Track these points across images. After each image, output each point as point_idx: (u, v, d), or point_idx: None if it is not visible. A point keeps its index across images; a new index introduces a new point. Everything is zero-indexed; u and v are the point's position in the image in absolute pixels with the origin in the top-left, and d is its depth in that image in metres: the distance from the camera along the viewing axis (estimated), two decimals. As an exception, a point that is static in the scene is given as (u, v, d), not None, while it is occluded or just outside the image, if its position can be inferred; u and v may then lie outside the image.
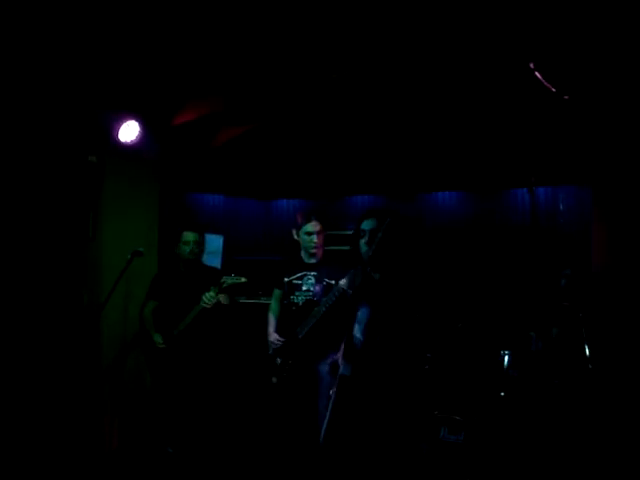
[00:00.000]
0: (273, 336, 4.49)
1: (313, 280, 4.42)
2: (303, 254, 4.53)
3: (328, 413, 3.31)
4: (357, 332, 3.35)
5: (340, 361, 3.41)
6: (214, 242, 6.42)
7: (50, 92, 5.05)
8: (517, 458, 4.00)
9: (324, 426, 3.29)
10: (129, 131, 5.27)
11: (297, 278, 4.51)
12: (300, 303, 4.42)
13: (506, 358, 4.51)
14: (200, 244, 4.96)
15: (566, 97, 2.96)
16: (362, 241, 3.45)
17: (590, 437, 3.07)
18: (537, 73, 2.91)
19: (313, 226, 4.41)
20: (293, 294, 4.49)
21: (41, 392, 5.17)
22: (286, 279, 4.56)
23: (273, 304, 4.70)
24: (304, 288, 4.45)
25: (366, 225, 3.48)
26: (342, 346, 3.47)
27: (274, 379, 4.42)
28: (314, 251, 4.45)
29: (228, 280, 4.55)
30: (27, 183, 5.33)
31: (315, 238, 4.41)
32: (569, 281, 4.60)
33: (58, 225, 5.57)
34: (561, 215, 5.59)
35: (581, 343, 4.21)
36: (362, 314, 3.35)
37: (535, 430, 4.03)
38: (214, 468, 4.87)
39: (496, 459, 4.10)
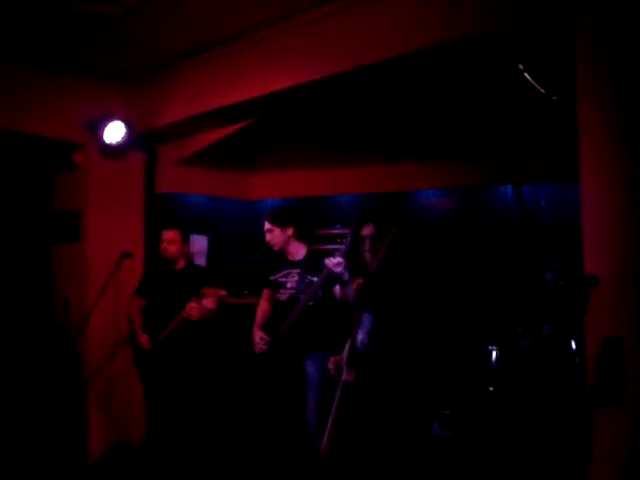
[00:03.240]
0: (257, 333, 4.52)
1: (297, 277, 4.47)
2: (286, 252, 4.59)
3: (331, 420, 3.31)
4: (361, 337, 3.35)
5: (343, 366, 3.39)
6: (199, 242, 6.42)
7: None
8: (506, 452, 4.05)
9: (327, 432, 3.29)
10: (114, 132, 5.25)
11: (282, 276, 4.56)
12: (284, 300, 4.48)
13: (494, 353, 4.57)
14: (175, 242, 4.94)
15: (555, 98, 3.02)
16: (362, 247, 3.44)
17: (577, 431, 3.12)
18: (526, 74, 2.96)
19: (265, 225, 4.56)
20: (278, 292, 4.55)
21: (21, 401, 5.15)
22: (272, 277, 4.62)
23: (262, 303, 4.74)
24: (288, 285, 4.51)
25: (366, 231, 3.48)
26: (345, 350, 3.47)
27: (261, 379, 4.45)
28: (274, 248, 4.56)
29: (208, 292, 4.63)
30: (8, 188, 5.33)
31: (267, 236, 4.54)
32: (557, 273, 4.66)
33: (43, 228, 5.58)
34: (542, 212, 5.68)
35: (567, 337, 4.27)
36: (366, 319, 3.35)
37: (524, 424, 4.09)
38: (202, 468, 4.88)
39: (485, 453, 4.16)
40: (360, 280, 3.41)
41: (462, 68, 4.14)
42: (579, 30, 2.83)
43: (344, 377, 3.32)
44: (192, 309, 4.63)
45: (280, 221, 4.52)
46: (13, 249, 5.57)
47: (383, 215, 3.47)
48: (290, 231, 4.52)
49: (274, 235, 4.53)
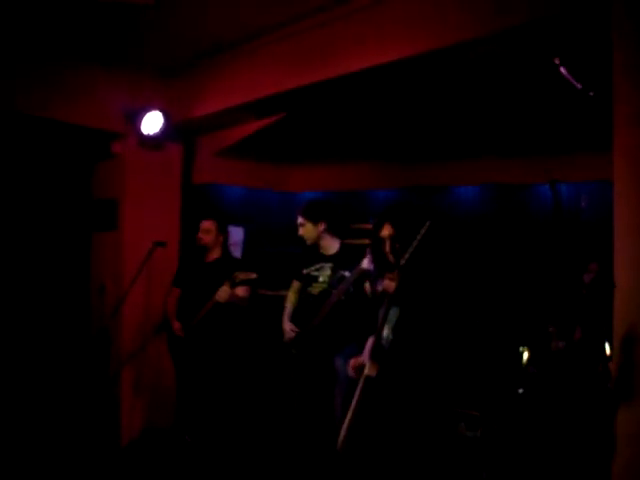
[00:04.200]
0: (287, 325, 4.53)
1: (329, 271, 4.46)
2: (320, 246, 4.57)
3: (350, 414, 3.28)
4: (386, 332, 3.31)
5: (366, 362, 3.35)
6: (235, 234, 6.45)
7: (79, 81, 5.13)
8: (534, 454, 3.98)
9: (345, 427, 3.25)
10: (152, 122, 5.30)
11: (314, 270, 4.55)
12: (316, 294, 4.47)
13: (525, 354, 4.49)
14: (210, 231, 4.98)
15: (591, 93, 2.92)
16: (384, 248, 3.37)
17: (608, 434, 3.04)
18: (562, 69, 2.87)
19: (298, 219, 4.55)
20: (310, 285, 4.55)
21: (56, 384, 5.25)
22: (305, 271, 4.61)
23: (290, 295, 4.73)
24: (320, 279, 4.50)
25: (384, 232, 3.39)
26: (366, 346, 3.44)
27: (290, 371, 4.45)
28: (306, 242, 4.56)
29: (240, 275, 4.62)
30: (48, 178, 5.43)
31: (300, 230, 4.54)
32: (596, 275, 4.55)
33: (82, 216, 5.68)
34: (583, 211, 5.54)
35: (602, 341, 4.17)
36: (391, 314, 3.30)
37: (553, 427, 4.01)
38: (231, 457, 4.91)
39: (513, 455, 4.09)
40: (386, 278, 3.34)
41: (502, 62, 4.07)
42: (615, 23, 2.75)
43: (366, 371, 3.27)
44: (223, 292, 4.66)
45: (312, 216, 4.51)
46: (54, 236, 5.68)
47: (401, 215, 3.39)
48: (322, 226, 4.50)
49: (306, 229, 4.53)
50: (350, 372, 3.52)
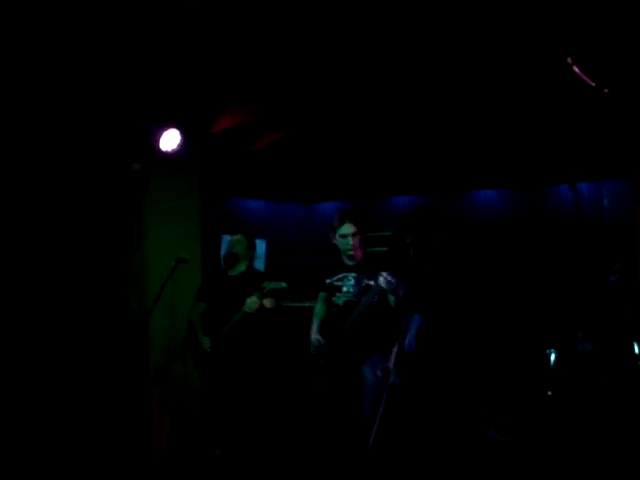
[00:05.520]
0: (315, 336, 4.51)
1: (353, 281, 4.44)
2: (343, 256, 4.54)
3: (377, 422, 3.28)
4: (408, 340, 3.31)
5: (391, 370, 3.36)
6: (257, 246, 6.48)
7: (93, 103, 5.17)
8: (564, 457, 3.94)
9: (372, 435, 3.25)
10: (170, 139, 5.34)
11: (338, 280, 4.53)
12: (341, 304, 4.45)
13: (552, 356, 4.45)
14: (247, 248, 5.01)
15: (606, 90, 2.91)
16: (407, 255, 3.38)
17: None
18: (575, 67, 2.86)
19: (347, 228, 4.41)
20: (334, 295, 4.53)
21: (91, 397, 5.28)
22: (327, 281, 4.60)
23: (318, 306, 4.72)
24: (344, 289, 4.47)
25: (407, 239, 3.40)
26: (392, 354, 3.44)
27: (319, 382, 4.44)
28: (351, 253, 4.46)
29: (269, 285, 4.66)
30: (73, 192, 5.45)
31: (351, 240, 4.41)
32: (621, 276, 4.50)
33: (104, 233, 5.69)
34: (605, 211, 5.49)
35: (630, 340, 4.13)
36: (413, 323, 3.31)
37: (583, 429, 3.97)
38: (261, 470, 4.91)
39: (543, 458, 4.05)
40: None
41: (518, 63, 4.06)
42: None
43: (392, 379, 3.28)
44: (252, 303, 4.66)
45: (363, 226, 4.47)
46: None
47: (423, 221, 3.39)
48: (362, 235, 4.48)
49: (358, 240, 4.44)
50: (378, 376, 3.52)
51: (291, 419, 5.61)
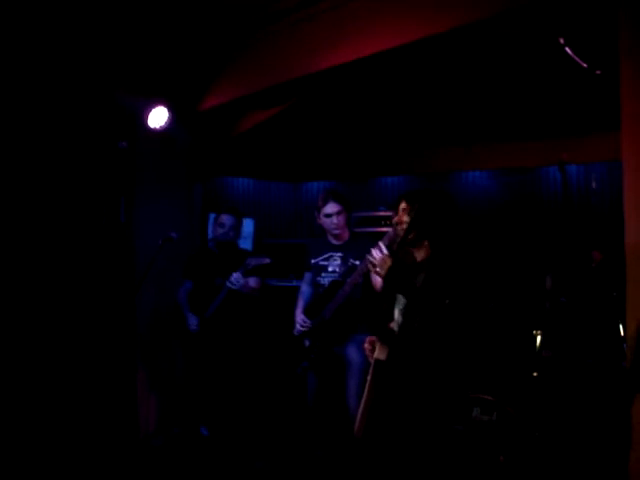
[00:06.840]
0: (299, 316, 4.48)
1: (339, 261, 4.43)
2: (329, 236, 4.53)
3: (364, 398, 3.28)
4: (396, 315, 3.30)
5: (376, 345, 3.35)
6: (245, 226, 6.47)
7: (79, 81, 5.11)
8: (549, 438, 3.97)
9: (360, 413, 3.25)
10: (158, 117, 5.29)
11: (323, 259, 4.52)
12: (326, 284, 4.42)
13: (538, 338, 4.47)
14: (235, 227, 5.00)
15: (598, 72, 2.90)
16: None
17: (624, 418, 3.03)
18: (567, 48, 2.85)
19: (332, 207, 4.39)
20: (320, 275, 4.51)
21: (77, 375, 5.27)
22: (313, 261, 4.58)
23: (303, 287, 4.71)
24: (330, 269, 4.46)
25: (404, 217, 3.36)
26: (378, 330, 3.43)
27: (304, 362, 4.43)
28: (336, 232, 4.44)
29: (252, 262, 4.61)
30: (59, 170, 5.41)
31: (335, 219, 4.40)
32: (601, 262, 4.54)
33: (91, 211, 5.65)
34: (593, 193, 5.50)
35: (616, 322, 4.16)
36: (400, 296, 3.29)
37: (568, 411, 4.00)
38: (247, 450, 4.93)
39: (529, 439, 4.08)
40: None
41: (508, 44, 4.03)
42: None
43: (376, 355, 3.28)
44: (236, 279, 4.65)
45: (348, 205, 4.46)
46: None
47: (421, 200, 3.32)
48: (347, 214, 4.47)
49: (343, 219, 4.43)
50: (366, 348, 3.49)
51: (277, 399, 5.63)
